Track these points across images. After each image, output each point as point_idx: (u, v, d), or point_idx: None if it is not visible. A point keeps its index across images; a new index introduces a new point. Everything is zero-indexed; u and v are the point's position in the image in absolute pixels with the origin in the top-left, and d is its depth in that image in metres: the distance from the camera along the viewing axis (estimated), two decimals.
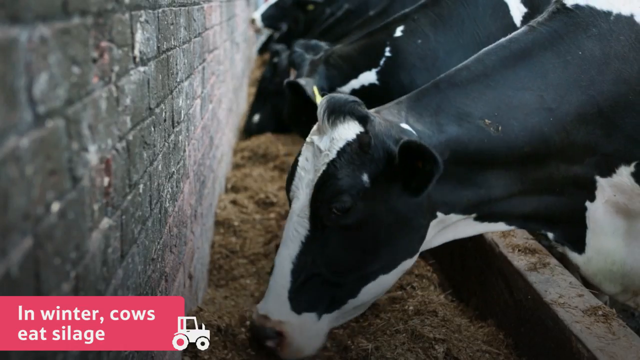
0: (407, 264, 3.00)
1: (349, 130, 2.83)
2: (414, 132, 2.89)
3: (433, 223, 3.01)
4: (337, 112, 2.86)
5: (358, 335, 3.12)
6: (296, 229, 2.91)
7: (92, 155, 1.57)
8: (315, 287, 2.89)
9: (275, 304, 2.88)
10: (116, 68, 1.79)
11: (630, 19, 2.95)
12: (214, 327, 3.22)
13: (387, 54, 4.39)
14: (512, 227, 3.20)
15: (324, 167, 2.84)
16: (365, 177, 2.79)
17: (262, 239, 4.79)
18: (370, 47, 4.50)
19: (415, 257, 3.03)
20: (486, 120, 2.92)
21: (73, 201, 1.46)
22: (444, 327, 3.07)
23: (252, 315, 2.99)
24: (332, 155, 2.83)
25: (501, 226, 3.18)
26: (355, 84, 4.46)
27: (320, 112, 2.91)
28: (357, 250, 2.87)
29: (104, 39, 1.67)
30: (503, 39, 3.13)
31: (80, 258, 1.50)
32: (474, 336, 3.13)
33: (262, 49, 11.48)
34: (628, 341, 2.51)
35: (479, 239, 3.67)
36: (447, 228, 3.12)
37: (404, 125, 2.91)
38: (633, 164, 2.96)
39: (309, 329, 2.89)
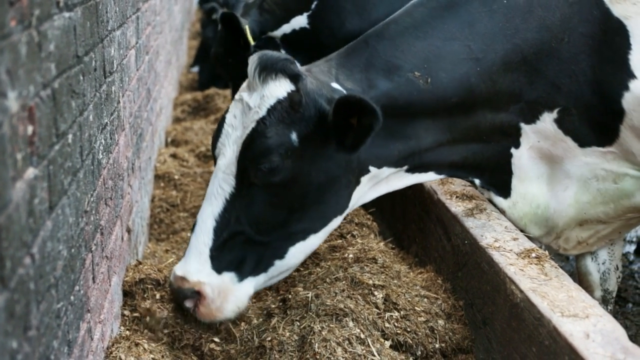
0: (337, 221, 3.01)
1: (280, 88, 2.80)
2: (343, 91, 2.88)
3: (366, 178, 3.02)
4: (268, 69, 2.82)
5: (298, 285, 3.14)
6: (221, 186, 2.86)
7: (12, 102, 1.51)
8: (239, 246, 2.84)
9: (195, 263, 2.82)
10: (37, 12, 1.72)
11: None
12: (153, 280, 3.20)
13: None
14: (442, 176, 3.25)
15: (253, 125, 2.80)
16: (294, 136, 2.78)
17: (203, 192, 4.74)
18: None
19: (345, 214, 3.04)
20: (416, 73, 2.94)
21: None
22: (383, 273, 3.11)
23: (170, 276, 2.92)
24: (262, 112, 2.79)
25: (431, 176, 3.22)
26: (286, 28, 4.44)
27: (251, 68, 2.86)
28: (284, 208, 2.85)
29: None
30: None
31: (2, 208, 1.45)
32: (413, 282, 3.17)
33: (203, 1, 11.27)
34: (559, 281, 2.58)
35: (419, 187, 3.70)
36: (380, 182, 3.14)
37: (335, 85, 2.91)
38: (555, 110, 3.04)
39: (230, 290, 2.83)
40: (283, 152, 2.77)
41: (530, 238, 3.04)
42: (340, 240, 3.49)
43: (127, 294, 3.17)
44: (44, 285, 1.75)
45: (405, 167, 3.13)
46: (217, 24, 7.70)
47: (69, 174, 2.07)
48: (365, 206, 4.30)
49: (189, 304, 2.84)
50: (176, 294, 2.85)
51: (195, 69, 8.52)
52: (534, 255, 2.78)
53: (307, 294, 2.95)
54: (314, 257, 3.41)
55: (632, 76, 2.91)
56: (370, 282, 3.01)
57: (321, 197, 2.89)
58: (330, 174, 2.87)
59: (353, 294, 2.94)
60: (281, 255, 2.90)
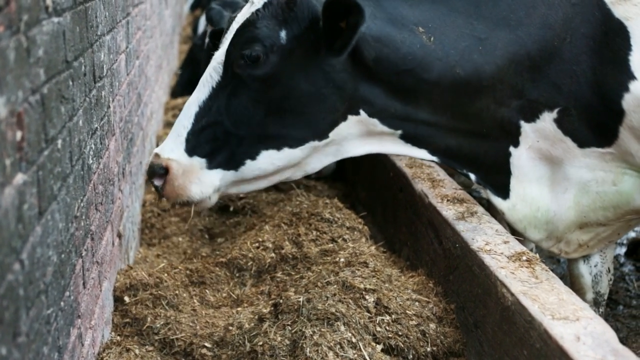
0: (315, 145, 2.96)
1: None
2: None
3: (354, 119, 2.98)
4: None
5: (289, 289, 3.14)
6: (211, 74, 2.93)
7: (0, 108, 1.51)
8: (215, 135, 2.90)
9: (171, 143, 2.89)
10: (25, 17, 1.72)
11: None
12: (144, 285, 3.20)
13: None
14: (435, 159, 3.17)
15: (247, 15, 2.88)
16: (283, 34, 2.84)
17: None
18: None
19: (324, 142, 2.98)
20: (420, 28, 2.93)
21: None
22: (374, 277, 3.11)
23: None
24: (259, 5, 2.87)
25: (425, 154, 3.15)
26: None
27: None
28: (262, 107, 2.88)
29: None
30: None
31: None
32: (404, 285, 3.17)
33: (194, 6, 11.26)
34: (550, 284, 2.58)
35: (410, 190, 3.71)
36: (372, 138, 3.09)
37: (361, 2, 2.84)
38: (556, 110, 3.03)
39: (196, 173, 2.89)
40: (268, 45, 2.82)
41: (522, 241, 3.05)
42: (332, 244, 3.49)
43: (118, 299, 3.16)
44: (33, 291, 1.75)
45: (400, 132, 3.08)
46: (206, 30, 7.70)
47: (58, 180, 2.06)
48: (356, 210, 4.32)
49: (157, 182, 2.89)
50: (149, 169, 2.92)
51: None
52: (524, 258, 2.79)
53: (299, 298, 2.95)
54: (305, 262, 3.41)
55: (632, 77, 2.90)
56: (362, 286, 3.01)
57: (301, 107, 2.90)
58: (315, 86, 2.88)
59: (344, 298, 2.93)
60: (252, 156, 2.92)
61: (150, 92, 5.36)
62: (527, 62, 2.99)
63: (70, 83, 2.26)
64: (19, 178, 1.66)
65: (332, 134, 2.97)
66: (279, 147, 2.91)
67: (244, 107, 2.88)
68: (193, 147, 2.88)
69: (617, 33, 2.92)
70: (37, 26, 1.85)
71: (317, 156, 3.04)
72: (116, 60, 3.39)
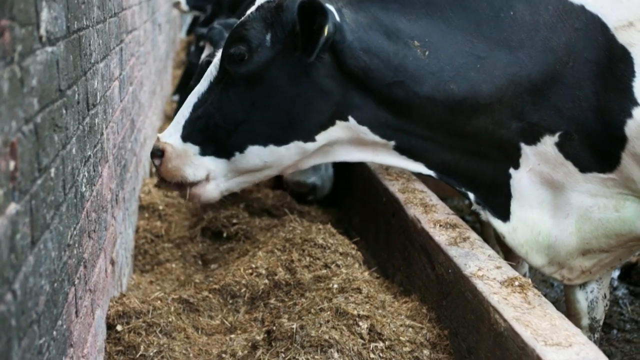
0: (301, 146, 3.09)
1: None
2: (335, 14, 2.93)
3: (342, 124, 3.06)
4: None
5: (283, 316, 3.13)
6: (211, 70, 3.19)
7: None
8: (207, 125, 3.14)
9: (171, 128, 3.20)
10: (19, 48, 1.73)
11: None
12: (137, 312, 3.18)
13: None
14: (432, 173, 3.18)
15: (243, 17, 3.09)
16: (268, 36, 3.01)
17: (188, 222, 4.74)
18: None
19: (311, 145, 3.08)
20: (415, 42, 2.96)
21: None
22: (368, 303, 3.11)
23: None
24: (254, 8, 3.07)
25: (421, 168, 3.18)
26: None
27: None
28: (247, 103, 3.07)
29: (3, 16, 1.61)
30: None
31: None
32: (397, 311, 3.17)
33: (190, 31, 11.32)
34: (543, 310, 2.59)
35: (402, 215, 3.72)
36: (366, 146, 3.16)
37: (330, 7, 2.94)
38: (557, 134, 3.01)
39: (187, 158, 3.15)
40: (254, 46, 3.01)
41: (514, 266, 3.05)
42: (325, 270, 3.49)
43: (111, 327, 3.15)
44: (25, 321, 1.74)
45: (393, 143, 3.11)
46: (202, 51, 7.74)
47: (51, 208, 2.07)
48: (349, 235, 4.32)
49: (156, 162, 3.22)
50: (152, 151, 3.24)
51: (176, 98, 8.49)
52: (517, 283, 2.79)
53: (292, 325, 2.94)
54: (299, 288, 3.41)
55: (635, 103, 2.88)
56: (355, 312, 3.01)
57: (284, 107, 3.04)
58: (298, 88, 3.00)
59: (338, 325, 2.93)
60: (240, 149, 3.12)
61: (144, 118, 5.37)
62: (527, 84, 2.99)
63: (64, 111, 2.27)
64: (12, 208, 1.66)
65: (319, 137, 3.09)
66: (265, 144, 3.09)
67: (232, 103, 3.10)
68: (188, 134, 3.16)
69: (621, 59, 2.91)
70: (31, 56, 1.86)
71: (306, 155, 3.17)
72: (110, 87, 3.41)
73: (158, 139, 3.21)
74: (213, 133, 3.13)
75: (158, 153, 3.19)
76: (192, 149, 3.16)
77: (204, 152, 3.15)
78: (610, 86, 2.93)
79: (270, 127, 3.07)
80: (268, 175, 3.35)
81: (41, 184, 1.95)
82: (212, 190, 3.23)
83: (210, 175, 3.19)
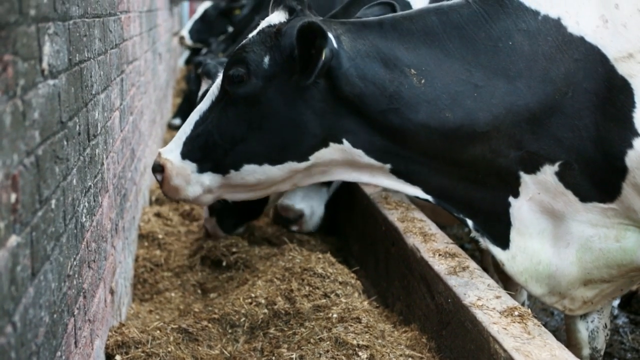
0: (294, 166, 3.18)
1: (278, 17, 3.19)
2: (333, 40, 3.00)
3: (337, 147, 3.13)
4: (279, 2, 3.22)
5: (282, 345, 3.12)
6: (214, 90, 3.28)
7: None
8: (206, 144, 3.23)
9: (173, 144, 3.30)
10: (22, 82, 1.75)
11: (557, 21, 2.99)
12: (136, 342, 3.17)
13: None
14: (429, 197, 3.20)
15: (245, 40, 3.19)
16: (267, 59, 3.10)
17: (187, 251, 4.74)
18: None
19: (305, 164, 3.17)
20: (412, 70, 3.01)
21: None
22: (367, 333, 3.10)
23: None
24: (255, 31, 3.17)
25: (419, 192, 3.21)
26: None
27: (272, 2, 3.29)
28: (244, 124, 3.15)
29: (7, 52, 1.63)
30: (443, 3, 3.18)
31: None
32: (397, 341, 3.16)
33: (188, 61, 11.41)
34: (542, 340, 2.59)
35: (402, 244, 3.72)
36: (363, 169, 3.21)
37: (330, 34, 3.01)
38: (557, 164, 3.01)
39: (186, 175, 3.27)
40: (252, 68, 3.10)
41: (514, 296, 3.05)
42: (324, 300, 3.48)
43: (110, 357, 3.14)
44: (25, 353, 1.74)
45: (389, 166, 3.16)
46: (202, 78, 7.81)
47: (52, 239, 2.08)
48: (349, 264, 4.32)
49: (158, 176, 3.33)
50: (153, 165, 3.35)
51: (177, 121, 8.56)
52: (516, 313, 2.79)
53: (292, 355, 2.93)
54: (298, 317, 3.40)
55: (636, 134, 2.88)
56: (355, 342, 3.00)
57: (279, 129, 3.12)
58: (293, 112, 3.08)
59: (337, 355, 2.92)
60: (236, 167, 3.21)
61: (144, 147, 5.40)
62: (526, 113, 3.00)
63: (65, 143, 2.29)
64: (13, 240, 1.67)
65: (312, 157, 3.17)
66: (260, 163, 3.19)
67: (230, 122, 3.19)
68: (187, 151, 3.26)
69: (621, 90, 2.91)
70: (33, 89, 1.88)
71: (300, 175, 3.26)
72: (110, 117, 3.43)
73: (159, 154, 3.31)
74: (211, 150, 3.22)
75: (158, 168, 3.30)
76: (190, 166, 3.26)
77: (201, 170, 3.26)
78: (610, 117, 2.93)
79: (266, 148, 3.16)
80: (262, 193, 3.44)
81: (42, 215, 1.96)
82: (205, 197, 3.37)
83: (205, 189, 3.31)
